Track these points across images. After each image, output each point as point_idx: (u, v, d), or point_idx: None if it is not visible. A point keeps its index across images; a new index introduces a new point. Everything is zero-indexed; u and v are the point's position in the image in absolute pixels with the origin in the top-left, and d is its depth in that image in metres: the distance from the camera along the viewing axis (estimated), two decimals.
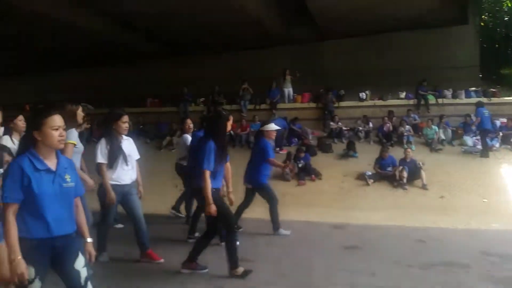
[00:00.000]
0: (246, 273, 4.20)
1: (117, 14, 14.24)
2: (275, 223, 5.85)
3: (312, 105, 14.74)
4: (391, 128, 12.64)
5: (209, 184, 4.06)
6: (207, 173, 4.06)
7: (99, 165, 4.37)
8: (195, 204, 5.51)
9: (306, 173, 10.22)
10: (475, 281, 4.14)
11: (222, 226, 4.40)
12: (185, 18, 13.95)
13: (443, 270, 4.44)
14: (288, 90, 15.27)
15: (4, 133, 4.48)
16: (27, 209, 2.39)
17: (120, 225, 5.98)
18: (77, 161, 4.34)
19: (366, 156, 10.87)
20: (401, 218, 7.11)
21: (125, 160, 4.45)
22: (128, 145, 4.61)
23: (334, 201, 8.55)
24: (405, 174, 9.20)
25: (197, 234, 5.41)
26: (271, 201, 5.86)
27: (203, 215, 4.70)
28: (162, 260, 4.65)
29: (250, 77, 16.45)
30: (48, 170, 2.44)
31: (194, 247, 4.35)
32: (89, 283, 2.57)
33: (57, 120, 2.48)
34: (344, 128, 13.25)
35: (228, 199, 4.77)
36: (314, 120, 14.52)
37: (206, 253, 4.38)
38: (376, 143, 12.38)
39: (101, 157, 4.35)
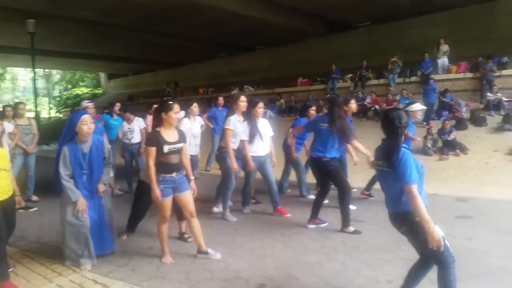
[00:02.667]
0: (355, 232, 4.92)
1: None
2: None
3: (469, 75, 13.65)
4: None
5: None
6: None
7: (242, 141, 5.58)
8: None
9: (451, 147, 9.87)
10: None
11: (338, 189, 5.12)
12: None
13: None
14: (443, 60, 14.41)
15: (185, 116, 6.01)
16: None
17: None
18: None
19: None
20: None
21: (261, 137, 5.61)
22: (263, 125, 5.79)
23: (474, 176, 8.16)
24: None
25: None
26: None
27: None
28: (289, 215, 5.79)
29: (400, 48, 16.15)
30: None
31: (313, 207, 5.24)
32: None
33: None
34: (505, 99, 12.06)
35: None
36: (471, 91, 13.48)
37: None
38: None
39: (244, 135, 5.56)
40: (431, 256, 2.84)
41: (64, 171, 3.85)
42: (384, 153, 2.90)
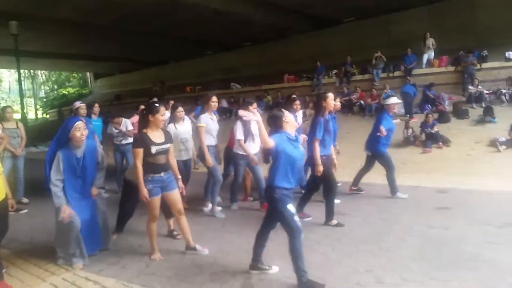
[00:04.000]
0: (338, 225, 5.10)
1: None
2: (392, 187, 6.38)
3: (450, 68, 13.94)
4: None
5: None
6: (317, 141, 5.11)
7: (238, 141, 5.77)
8: None
9: (434, 140, 10.11)
10: None
11: (324, 184, 5.32)
12: None
13: None
14: (428, 54, 14.68)
15: (169, 122, 5.91)
16: None
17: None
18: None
19: (507, 121, 10.08)
20: None
21: (253, 138, 5.78)
22: (255, 125, 5.82)
23: (456, 168, 8.39)
24: None
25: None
26: (388, 168, 6.40)
27: None
28: None
29: (384, 43, 16.42)
30: None
31: (299, 201, 5.41)
32: None
33: None
34: (485, 91, 12.35)
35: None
36: (453, 84, 13.76)
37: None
38: None
39: (240, 135, 5.75)
40: (284, 226, 3.49)
41: (55, 176, 3.97)
42: None
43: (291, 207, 3.46)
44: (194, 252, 4.30)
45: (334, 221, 5.15)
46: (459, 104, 12.24)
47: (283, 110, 3.65)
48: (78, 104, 6.92)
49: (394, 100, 6.46)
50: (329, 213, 5.18)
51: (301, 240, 3.44)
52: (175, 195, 4.22)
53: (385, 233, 4.72)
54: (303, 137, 5.70)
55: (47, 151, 4.22)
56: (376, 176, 6.91)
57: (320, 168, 5.03)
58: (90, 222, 4.20)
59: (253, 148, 5.85)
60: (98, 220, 4.36)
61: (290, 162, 3.46)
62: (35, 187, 7.48)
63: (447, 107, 12.46)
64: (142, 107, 6.14)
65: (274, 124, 3.59)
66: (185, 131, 5.95)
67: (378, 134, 6.10)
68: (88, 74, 39.65)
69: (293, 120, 3.66)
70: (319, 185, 5.48)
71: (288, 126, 3.55)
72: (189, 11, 16.21)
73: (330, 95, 5.29)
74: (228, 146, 6.62)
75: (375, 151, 6.46)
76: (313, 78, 16.86)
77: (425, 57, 14.74)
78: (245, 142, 5.77)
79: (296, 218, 3.46)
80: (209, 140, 5.80)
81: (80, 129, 4.03)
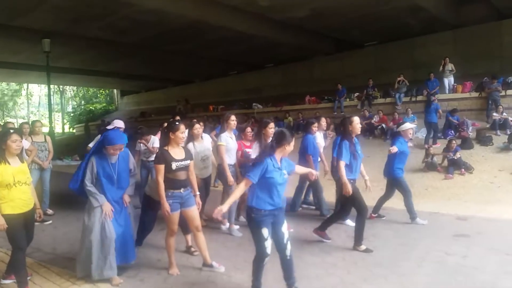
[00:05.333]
0: (367, 250, 5.02)
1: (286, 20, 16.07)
2: (411, 213, 6.31)
3: (474, 94, 13.80)
4: None
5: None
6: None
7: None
8: None
9: (456, 166, 9.99)
10: None
11: (355, 209, 5.24)
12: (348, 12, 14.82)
13: None
14: (448, 80, 14.60)
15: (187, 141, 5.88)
16: None
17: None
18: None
19: None
20: None
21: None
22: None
23: (477, 195, 8.25)
24: None
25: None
26: (404, 193, 6.36)
27: None
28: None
29: (407, 67, 16.43)
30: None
31: (326, 220, 5.52)
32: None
33: None
34: (510, 118, 12.15)
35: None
36: (477, 110, 13.60)
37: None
38: None
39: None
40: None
41: (89, 179, 4.03)
42: None
43: (264, 232, 3.48)
44: (211, 269, 4.38)
45: (363, 246, 5.05)
46: (483, 131, 12.05)
47: (287, 136, 3.60)
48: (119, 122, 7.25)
49: (408, 125, 6.44)
50: (358, 237, 5.09)
51: (264, 264, 3.60)
52: (193, 212, 4.32)
53: (401, 258, 4.70)
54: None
55: (82, 161, 4.26)
56: (396, 201, 6.85)
57: (348, 188, 4.97)
58: (123, 232, 4.19)
59: None
60: (131, 230, 4.38)
61: (270, 185, 3.50)
62: (59, 199, 7.76)
63: (471, 133, 12.30)
64: (166, 124, 6.30)
65: (271, 143, 3.65)
66: (205, 149, 6.05)
67: (389, 152, 6.10)
68: (115, 91, 40.70)
69: (286, 149, 3.62)
70: (349, 209, 5.44)
71: (278, 151, 3.58)
72: (217, 32, 16.62)
73: (356, 119, 5.30)
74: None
75: (391, 176, 6.43)
76: (334, 100, 16.93)
77: (446, 82, 14.64)
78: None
79: (267, 243, 3.50)
80: (228, 159, 5.89)
81: (115, 150, 4.12)
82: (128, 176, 4.36)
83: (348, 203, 5.27)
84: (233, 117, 6.05)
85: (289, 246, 3.62)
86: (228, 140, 5.91)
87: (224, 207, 3.44)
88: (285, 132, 3.62)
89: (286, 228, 3.64)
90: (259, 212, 3.48)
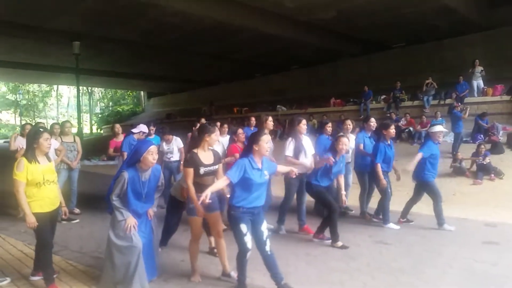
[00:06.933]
0: (343, 247, 5.24)
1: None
2: (439, 219, 6.17)
3: (505, 98, 13.42)
4: None
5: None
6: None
7: (286, 157, 5.74)
8: None
9: (485, 171, 9.71)
10: None
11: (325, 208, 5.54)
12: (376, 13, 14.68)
13: None
14: (477, 82, 14.24)
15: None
16: None
17: None
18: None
19: None
20: None
21: (305, 153, 5.74)
22: (306, 141, 5.91)
23: (507, 201, 7.97)
24: None
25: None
26: (435, 198, 6.23)
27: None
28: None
29: (435, 69, 16.10)
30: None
31: (321, 224, 5.58)
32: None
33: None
34: None
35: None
36: (508, 114, 13.23)
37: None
38: None
39: (288, 151, 5.73)
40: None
41: (116, 195, 3.90)
42: None
43: (243, 227, 3.68)
44: (228, 279, 4.25)
45: (339, 243, 5.30)
46: None
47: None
48: (143, 127, 7.42)
49: (439, 128, 6.30)
50: (333, 234, 5.35)
51: (246, 258, 3.76)
52: (216, 217, 4.27)
53: (427, 265, 4.59)
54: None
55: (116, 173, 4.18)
56: (423, 206, 6.72)
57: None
58: (148, 247, 4.08)
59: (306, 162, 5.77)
60: (154, 245, 4.29)
61: (249, 185, 3.68)
62: (86, 199, 7.93)
63: (501, 137, 11.94)
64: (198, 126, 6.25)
65: (247, 144, 3.88)
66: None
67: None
68: (142, 93, 41.40)
69: (264, 151, 3.74)
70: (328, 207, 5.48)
71: (256, 152, 3.74)
72: (241, 34, 16.72)
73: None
74: None
75: (422, 180, 6.30)
76: (360, 102, 16.73)
77: (474, 84, 14.29)
78: (297, 159, 5.67)
79: (247, 238, 3.68)
80: None
81: (153, 153, 3.96)
82: (155, 193, 4.25)
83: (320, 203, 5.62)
84: (271, 118, 6.16)
85: (268, 243, 3.80)
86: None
87: (208, 193, 3.53)
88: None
89: (265, 227, 3.83)
90: (238, 210, 3.71)
